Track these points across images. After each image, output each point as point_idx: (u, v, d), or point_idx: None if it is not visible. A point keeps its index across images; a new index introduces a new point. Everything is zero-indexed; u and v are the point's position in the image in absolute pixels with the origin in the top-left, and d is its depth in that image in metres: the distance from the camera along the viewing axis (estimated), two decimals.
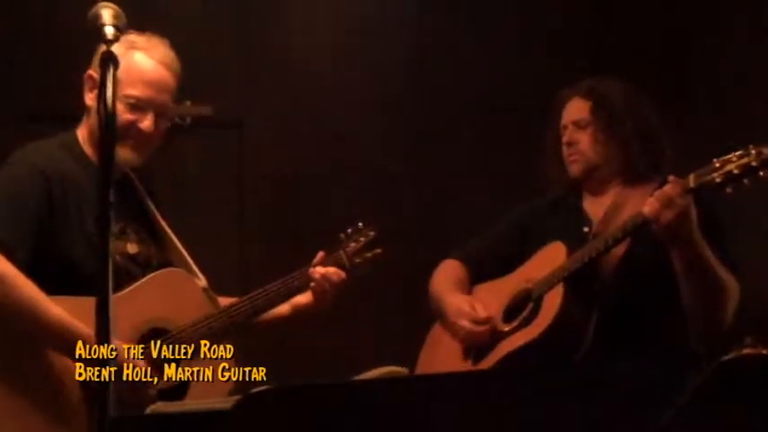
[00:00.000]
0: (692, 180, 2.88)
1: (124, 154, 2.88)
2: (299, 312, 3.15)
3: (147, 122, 2.90)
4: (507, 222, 3.45)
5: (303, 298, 3.13)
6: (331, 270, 3.08)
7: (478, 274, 3.40)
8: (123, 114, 2.86)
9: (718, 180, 2.82)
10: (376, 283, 3.84)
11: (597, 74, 3.44)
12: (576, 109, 3.30)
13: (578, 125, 3.27)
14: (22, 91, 4.60)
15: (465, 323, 3.24)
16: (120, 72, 2.79)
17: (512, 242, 3.37)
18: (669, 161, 3.23)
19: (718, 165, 2.83)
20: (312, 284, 3.07)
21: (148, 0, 4.46)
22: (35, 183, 2.80)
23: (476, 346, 3.24)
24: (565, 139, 3.28)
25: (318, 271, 3.07)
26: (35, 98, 4.56)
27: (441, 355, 3.34)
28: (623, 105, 3.26)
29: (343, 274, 3.10)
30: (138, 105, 2.89)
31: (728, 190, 2.82)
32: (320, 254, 3.13)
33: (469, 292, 3.38)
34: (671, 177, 2.93)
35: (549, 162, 3.37)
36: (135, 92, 2.89)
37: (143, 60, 2.91)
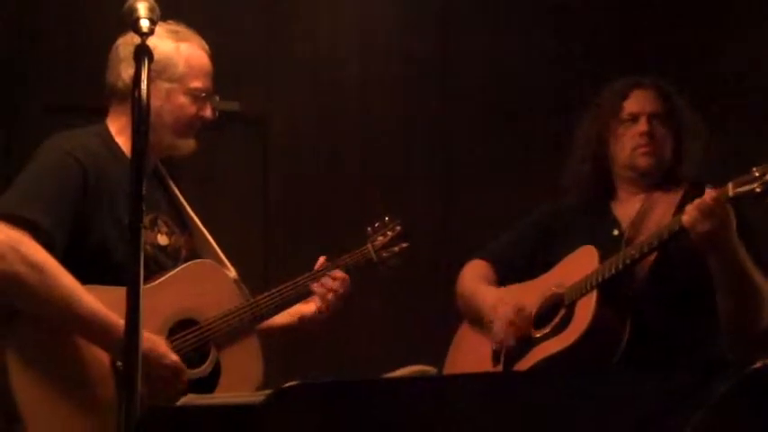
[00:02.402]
0: (730, 189, 2.83)
1: (189, 144, 2.96)
2: (303, 322, 3.12)
3: (209, 111, 2.96)
4: (533, 222, 3.42)
5: (306, 307, 3.11)
6: (335, 277, 3.05)
7: (504, 273, 3.37)
8: (189, 108, 2.93)
9: (758, 190, 2.76)
10: (400, 282, 3.85)
11: (625, 75, 3.42)
12: (653, 100, 3.22)
13: (657, 118, 3.20)
14: (46, 83, 4.62)
15: (507, 311, 3.17)
16: (183, 65, 2.88)
17: (538, 242, 3.34)
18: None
19: (757, 174, 2.77)
20: (315, 292, 3.05)
21: None
22: (72, 170, 2.81)
23: (510, 344, 3.18)
24: (644, 128, 3.18)
25: (321, 280, 3.05)
26: (59, 90, 4.58)
27: (470, 360, 3.30)
28: (691, 113, 3.24)
29: (347, 280, 3.07)
30: (201, 97, 2.94)
31: None
32: (320, 259, 3.12)
33: None
34: (709, 187, 2.89)
35: (590, 152, 3.28)
36: (200, 84, 2.94)
37: (197, 52, 2.95)
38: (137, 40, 2.83)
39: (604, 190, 3.30)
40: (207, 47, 2.99)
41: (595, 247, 3.13)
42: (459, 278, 3.43)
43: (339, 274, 3.06)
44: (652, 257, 3.07)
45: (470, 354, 3.31)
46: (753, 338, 3.02)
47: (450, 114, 5.04)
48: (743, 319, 3.02)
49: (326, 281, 3.04)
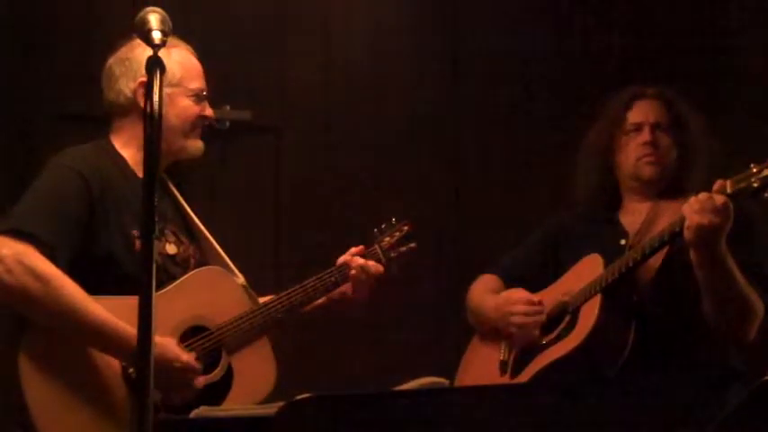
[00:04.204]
0: (729, 186, 2.84)
1: (197, 145, 3.02)
2: (337, 304, 3.15)
3: (209, 109, 3.03)
4: (542, 235, 3.43)
5: (341, 290, 3.13)
6: (368, 262, 3.10)
7: (514, 287, 3.35)
8: (191, 108, 2.99)
9: (755, 185, 2.77)
10: (412, 293, 3.84)
11: (629, 81, 3.41)
12: (656, 110, 3.23)
13: (660, 128, 3.21)
14: (54, 91, 4.62)
15: (520, 307, 3.20)
16: (178, 70, 2.94)
17: (547, 255, 3.35)
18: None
19: (755, 170, 2.79)
20: (351, 275, 3.08)
21: (189, 5, 4.48)
22: (75, 185, 2.84)
23: (531, 332, 3.20)
24: (647, 137, 3.19)
25: (356, 261, 3.09)
26: (67, 99, 4.58)
27: (478, 370, 3.31)
28: (696, 121, 3.24)
29: (380, 266, 3.11)
30: (201, 96, 3.00)
31: (766, 195, 2.77)
32: (359, 247, 3.15)
33: None
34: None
35: (596, 163, 3.30)
36: (199, 85, 3.01)
37: (187, 55, 3.02)
38: (129, 54, 2.93)
39: (611, 200, 3.31)
40: (193, 50, 3.05)
41: (603, 256, 3.13)
42: (468, 292, 3.44)
43: (370, 261, 3.10)
44: (658, 262, 3.07)
45: (480, 366, 3.32)
46: (741, 347, 3.02)
47: (466, 123, 5.04)
48: (727, 326, 3.00)
49: (363, 263, 3.08)
